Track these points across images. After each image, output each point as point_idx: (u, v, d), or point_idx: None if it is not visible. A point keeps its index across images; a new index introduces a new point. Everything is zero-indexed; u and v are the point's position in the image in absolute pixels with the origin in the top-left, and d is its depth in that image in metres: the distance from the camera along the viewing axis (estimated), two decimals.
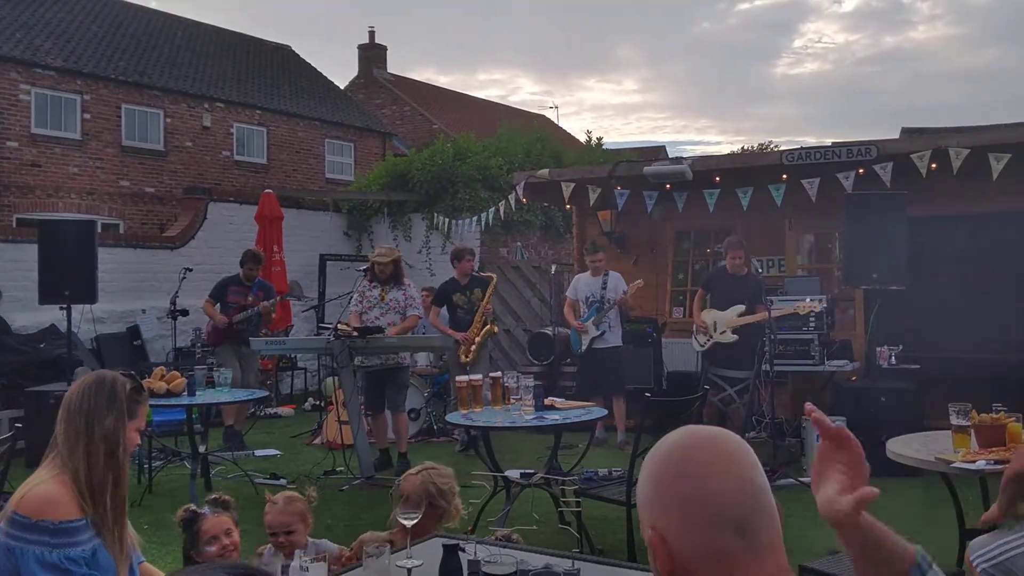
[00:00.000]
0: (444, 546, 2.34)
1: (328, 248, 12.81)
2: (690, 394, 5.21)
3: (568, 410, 5.16)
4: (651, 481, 1.22)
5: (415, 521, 2.54)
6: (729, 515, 1.16)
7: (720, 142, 78.08)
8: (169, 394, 5.98)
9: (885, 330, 7.27)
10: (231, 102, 17.82)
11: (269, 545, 3.17)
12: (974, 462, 3.45)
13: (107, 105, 15.65)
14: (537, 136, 15.27)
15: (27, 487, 2.34)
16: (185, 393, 6.05)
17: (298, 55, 22.32)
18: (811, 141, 69.98)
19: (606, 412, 5.86)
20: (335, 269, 12.34)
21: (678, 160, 8.88)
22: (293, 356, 11.18)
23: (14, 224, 13.32)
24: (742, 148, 30.16)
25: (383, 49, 26.25)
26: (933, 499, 5.14)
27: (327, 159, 19.90)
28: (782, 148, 12.24)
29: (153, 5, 39.83)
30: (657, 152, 23.42)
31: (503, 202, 10.30)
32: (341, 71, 62.76)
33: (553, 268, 9.44)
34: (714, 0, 75.67)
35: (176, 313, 9.16)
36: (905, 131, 10.88)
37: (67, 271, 7.53)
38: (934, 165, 7.40)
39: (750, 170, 8.56)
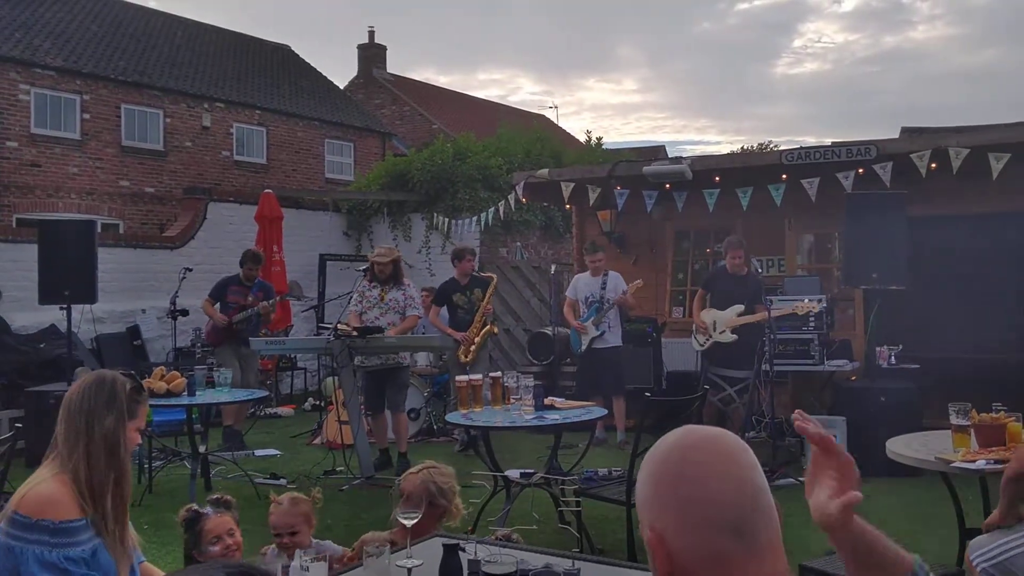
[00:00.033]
0: (444, 546, 2.34)
1: (328, 248, 12.81)
2: (690, 394, 5.21)
3: (568, 410, 5.15)
4: (650, 481, 1.22)
5: (415, 521, 2.54)
6: (728, 516, 1.15)
7: (720, 142, 78.19)
8: (169, 394, 5.98)
9: (885, 330, 7.27)
10: (231, 102, 17.82)
11: (273, 545, 3.17)
12: (974, 462, 3.45)
13: (107, 105, 15.65)
14: (537, 136, 15.28)
15: (27, 486, 2.34)
16: (185, 393, 6.06)
17: (298, 55, 22.32)
18: (811, 141, 70.06)
19: (606, 412, 5.86)
20: (335, 269, 12.34)
21: (678, 160, 8.88)
22: (293, 356, 11.18)
23: (14, 224, 13.31)
24: (742, 148, 30.17)
25: (383, 49, 26.25)
26: (933, 499, 5.14)
27: (327, 159, 19.90)
28: (782, 148, 12.26)
29: (153, 5, 39.84)
30: (657, 152, 23.41)
31: (503, 202, 10.31)
32: (341, 71, 62.79)
33: (553, 268, 9.44)
34: (714, 0, 75.72)
35: (176, 313, 9.16)
36: (905, 131, 10.88)
37: (67, 271, 7.53)
38: (934, 165, 7.40)
39: (750, 170, 8.56)
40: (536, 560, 2.37)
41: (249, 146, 18.23)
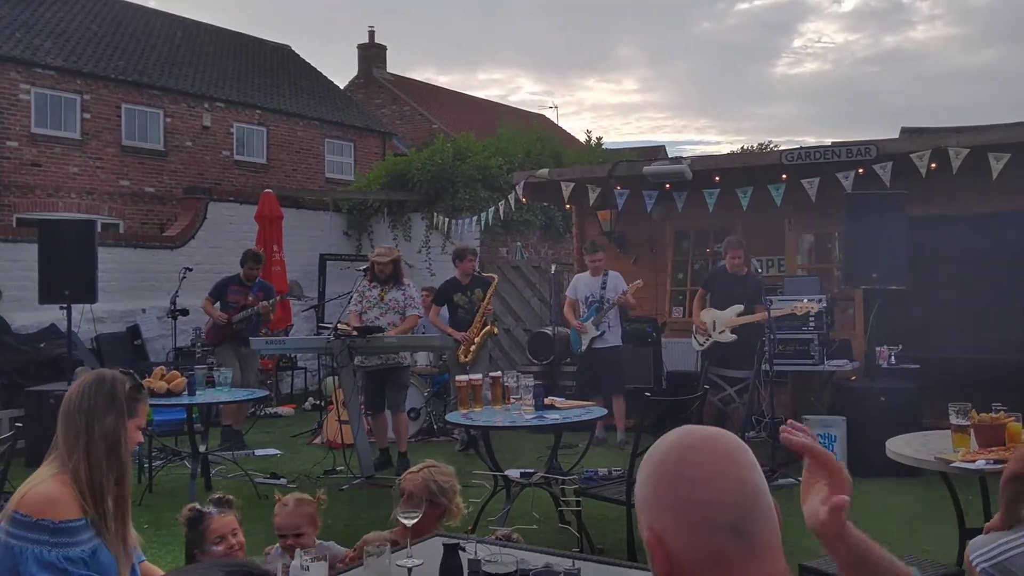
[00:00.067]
0: (444, 545, 2.34)
1: (328, 248, 12.81)
2: (690, 394, 5.22)
3: (568, 409, 5.16)
4: (649, 482, 1.22)
5: (416, 520, 2.54)
6: (727, 516, 1.15)
7: (720, 142, 78.17)
8: (169, 394, 5.98)
9: (885, 330, 7.28)
10: (231, 102, 17.82)
11: (276, 545, 3.17)
12: (974, 462, 3.45)
13: (107, 105, 15.65)
14: (537, 136, 15.28)
15: (28, 486, 2.34)
16: (185, 393, 6.06)
17: (298, 55, 22.32)
18: (811, 141, 70.03)
19: (606, 412, 5.87)
20: (335, 269, 12.35)
21: (678, 160, 8.89)
22: (293, 356, 11.19)
23: (14, 224, 13.31)
24: (742, 148, 30.16)
25: (383, 49, 26.25)
26: (933, 499, 5.15)
27: (327, 159, 19.90)
28: (782, 148, 12.26)
29: (153, 5, 39.84)
30: (657, 152, 23.42)
31: (503, 202, 10.31)
32: (341, 71, 62.79)
33: (553, 268, 9.44)
34: (714, 0, 75.71)
35: (176, 313, 9.16)
36: (905, 131, 10.87)
37: (67, 271, 7.54)
38: (934, 165, 7.40)
39: (750, 170, 8.56)
40: (536, 560, 2.37)
41: (249, 146, 18.24)
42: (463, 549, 2.34)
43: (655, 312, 9.46)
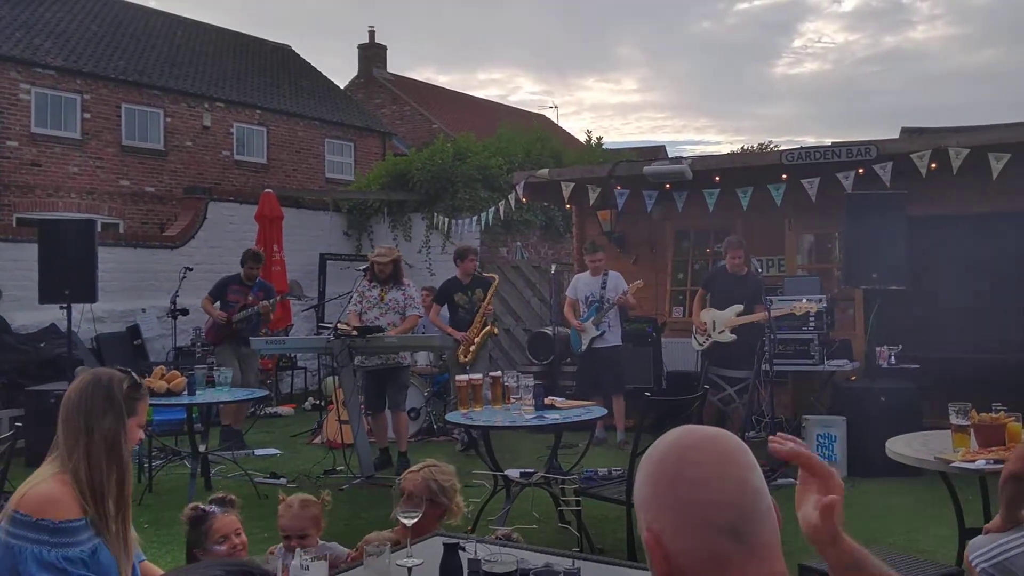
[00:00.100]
0: (444, 545, 2.34)
1: (328, 248, 12.82)
2: (690, 394, 5.22)
3: (568, 409, 5.16)
4: (648, 481, 1.21)
5: (415, 520, 2.54)
6: (727, 517, 1.14)
7: (720, 142, 78.14)
8: (169, 393, 5.98)
9: (885, 330, 7.28)
10: (231, 102, 17.82)
11: (280, 546, 3.17)
12: (974, 461, 3.45)
13: (107, 104, 15.65)
14: (537, 136, 15.28)
15: (28, 485, 2.34)
16: (185, 392, 6.05)
17: (298, 55, 22.32)
18: (811, 141, 70.04)
19: (606, 411, 5.87)
20: (335, 269, 12.35)
21: (678, 160, 8.89)
22: (293, 355, 11.19)
23: (14, 223, 13.32)
24: (742, 148, 30.19)
25: (383, 49, 26.25)
26: (933, 499, 5.15)
27: (327, 159, 19.90)
28: (782, 148, 12.26)
29: (153, 4, 39.83)
30: (657, 152, 23.42)
31: (503, 202, 10.31)
32: (341, 71, 62.83)
33: (553, 268, 9.44)
34: (714, 0, 75.70)
35: (176, 312, 9.16)
36: (905, 131, 10.87)
37: (67, 270, 7.53)
38: (934, 165, 7.40)
39: (750, 170, 8.56)
40: (536, 559, 2.37)
41: (249, 146, 18.24)
42: (463, 549, 2.34)
43: (655, 312, 9.46)
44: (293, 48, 22.37)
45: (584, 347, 7.94)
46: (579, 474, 5.61)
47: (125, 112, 15.93)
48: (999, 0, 70.94)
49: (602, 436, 7.82)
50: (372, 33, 26.09)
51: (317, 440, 8.37)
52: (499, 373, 5.51)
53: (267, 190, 11.58)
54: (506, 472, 5.11)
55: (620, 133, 63.70)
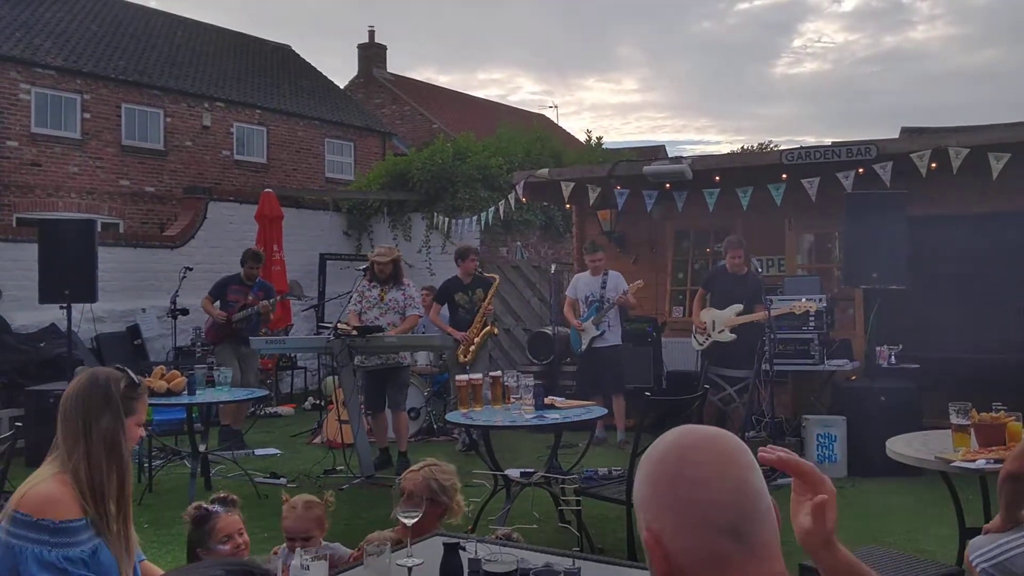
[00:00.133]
0: (444, 545, 2.34)
1: (328, 247, 12.82)
2: (690, 393, 5.22)
3: (568, 409, 5.16)
4: (647, 481, 1.21)
5: (415, 519, 2.54)
6: (727, 517, 1.14)
7: (720, 141, 78.11)
8: (169, 393, 5.98)
9: (885, 329, 7.28)
10: (231, 101, 17.82)
11: (283, 546, 3.16)
12: (974, 461, 3.45)
13: (107, 104, 15.65)
14: (537, 136, 15.28)
15: (28, 485, 2.34)
16: (185, 392, 6.05)
17: (298, 55, 22.32)
18: (811, 141, 69.99)
19: (606, 411, 5.86)
20: (335, 268, 12.35)
21: (678, 159, 8.89)
22: (293, 355, 11.19)
23: (14, 223, 13.32)
24: (742, 147, 30.18)
25: (383, 48, 26.25)
26: (933, 498, 5.15)
27: (327, 158, 19.90)
28: (782, 148, 12.25)
29: (153, 4, 39.81)
30: (657, 151, 23.42)
31: (503, 202, 10.31)
32: (341, 71, 62.84)
33: (553, 267, 9.44)
34: (714, 0, 75.68)
35: (176, 312, 9.16)
36: (905, 131, 10.87)
37: (67, 270, 7.54)
38: (934, 165, 7.40)
39: (750, 169, 8.56)
40: (536, 559, 2.37)
41: (249, 145, 18.24)
42: (463, 548, 2.34)
43: (655, 312, 9.46)
44: (293, 48, 22.38)
45: (584, 347, 7.94)
46: (579, 474, 5.61)
47: (125, 112, 15.93)
48: (999, 0, 70.96)
49: (602, 436, 7.82)
50: (372, 33, 26.11)
51: (317, 440, 8.37)
52: (499, 373, 5.51)
53: (267, 190, 11.58)
54: (506, 472, 5.11)
55: (620, 133, 63.72)
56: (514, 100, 61.98)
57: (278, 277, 10.53)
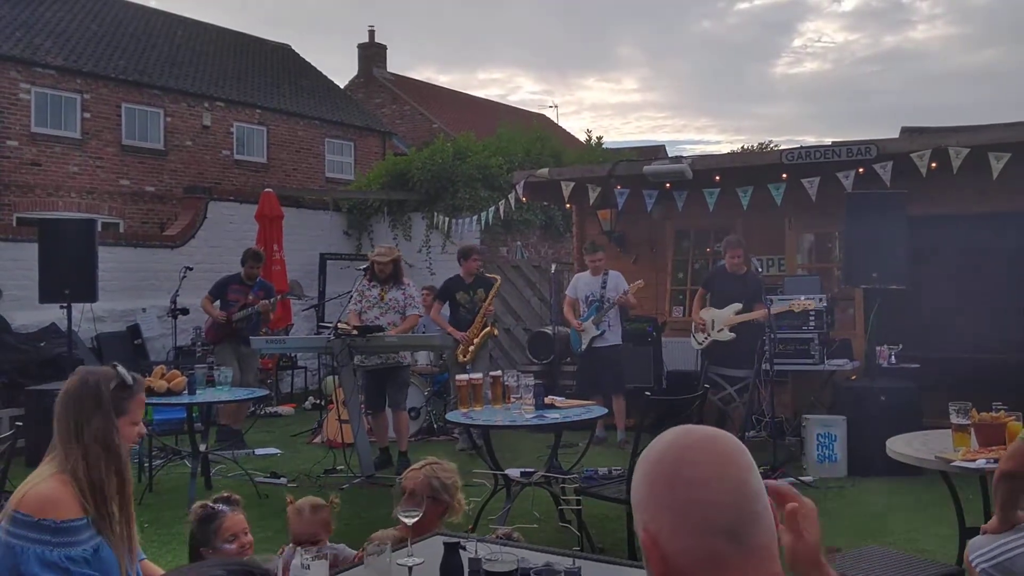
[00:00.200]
0: (445, 544, 2.34)
1: (328, 247, 12.82)
2: (690, 393, 5.22)
3: (568, 409, 5.16)
4: (645, 481, 1.20)
5: (416, 519, 2.54)
6: (723, 520, 1.14)
7: (720, 141, 78.12)
8: (169, 393, 5.98)
9: (885, 329, 7.28)
10: (231, 101, 17.82)
11: (289, 545, 3.16)
12: (974, 461, 3.45)
13: (107, 104, 15.65)
14: (537, 135, 15.28)
15: (28, 485, 2.34)
16: (185, 392, 6.05)
17: (298, 54, 22.32)
18: (811, 140, 69.95)
19: (606, 411, 5.86)
20: (335, 268, 12.35)
21: (678, 159, 8.89)
22: (293, 355, 11.19)
23: (14, 223, 13.32)
24: (742, 147, 30.18)
25: (383, 48, 26.25)
26: (933, 498, 5.15)
27: (327, 158, 19.90)
28: (782, 147, 12.24)
29: (153, 4, 39.78)
30: (657, 151, 23.42)
31: (503, 201, 10.31)
32: (341, 70, 62.82)
33: (553, 267, 9.44)
34: None
35: (176, 312, 9.16)
36: (905, 130, 10.87)
37: (67, 270, 7.53)
38: (934, 164, 7.40)
39: (750, 169, 8.56)
40: (537, 559, 2.37)
41: (249, 145, 18.24)
42: (464, 548, 2.34)
43: (655, 311, 9.46)
44: (293, 48, 22.37)
45: (584, 346, 7.94)
46: (579, 473, 5.62)
47: (125, 112, 15.93)
48: (999, 0, 70.95)
49: (602, 435, 7.82)
50: (372, 33, 26.11)
51: (317, 440, 8.37)
52: (499, 372, 5.51)
53: (267, 189, 11.58)
54: (506, 471, 5.11)
55: (620, 133, 63.72)
56: (514, 100, 61.98)
57: (278, 277, 10.53)
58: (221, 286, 8.17)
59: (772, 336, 7.00)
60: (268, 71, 20.05)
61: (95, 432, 2.35)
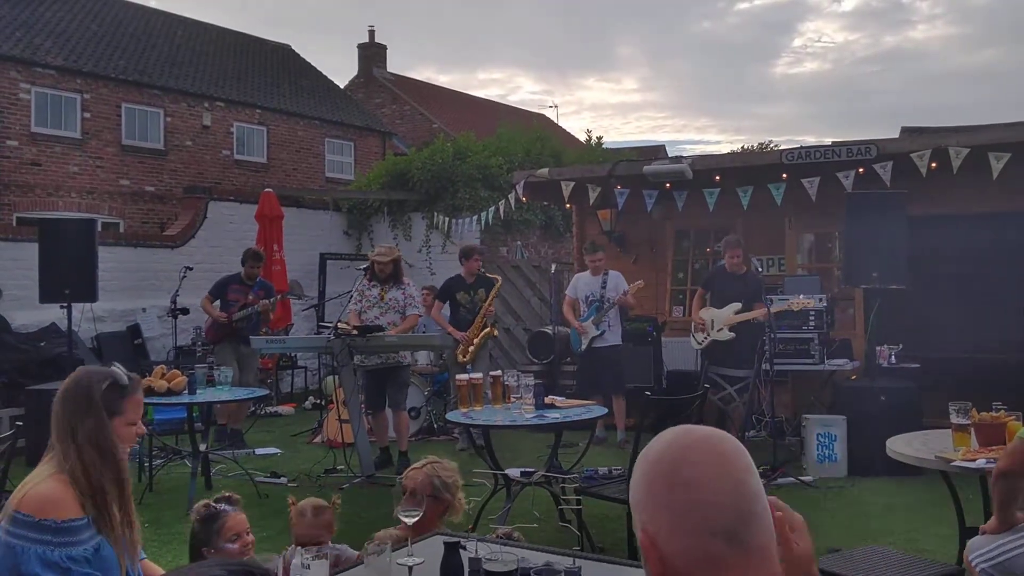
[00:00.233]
0: (445, 544, 2.34)
1: (328, 247, 12.82)
2: (690, 393, 5.22)
3: (568, 409, 5.16)
4: (643, 481, 1.20)
5: (416, 519, 2.54)
6: (722, 521, 1.13)
7: (720, 141, 78.14)
8: (170, 392, 5.98)
9: (885, 329, 7.28)
10: (231, 101, 17.82)
11: (293, 545, 3.16)
12: (974, 460, 3.45)
13: (107, 104, 15.65)
14: (537, 135, 15.28)
15: (27, 485, 2.34)
16: (185, 391, 6.05)
17: (298, 54, 22.32)
18: (811, 140, 69.89)
19: (606, 411, 5.86)
20: (335, 268, 12.35)
21: (678, 159, 8.89)
22: (293, 355, 11.19)
23: (14, 223, 13.32)
24: (742, 147, 30.18)
25: (383, 48, 26.25)
26: (933, 498, 5.15)
27: (327, 158, 19.90)
28: (782, 147, 12.24)
29: (153, 4, 39.78)
30: (657, 151, 23.42)
31: (503, 201, 10.31)
32: (341, 70, 62.82)
33: (553, 267, 9.44)
34: None
35: (176, 312, 9.17)
36: (905, 130, 10.87)
37: (67, 270, 7.53)
38: (934, 164, 7.40)
39: (750, 169, 8.56)
40: (537, 558, 2.37)
41: (249, 145, 18.24)
42: (464, 547, 2.34)
43: (655, 311, 9.46)
44: (293, 48, 22.37)
45: (584, 346, 7.94)
46: (579, 473, 5.62)
47: (125, 111, 15.93)
48: (999, 0, 70.95)
49: (602, 435, 7.82)
50: (372, 33, 26.11)
51: (317, 439, 8.37)
52: (499, 372, 5.51)
53: (267, 189, 11.58)
54: (506, 471, 5.11)
55: (620, 133, 63.71)
56: (514, 100, 61.97)
57: (278, 277, 10.53)
58: (221, 286, 8.18)
59: (772, 336, 7.00)
60: (268, 71, 20.05)
61: (88, 433, 2.35)
